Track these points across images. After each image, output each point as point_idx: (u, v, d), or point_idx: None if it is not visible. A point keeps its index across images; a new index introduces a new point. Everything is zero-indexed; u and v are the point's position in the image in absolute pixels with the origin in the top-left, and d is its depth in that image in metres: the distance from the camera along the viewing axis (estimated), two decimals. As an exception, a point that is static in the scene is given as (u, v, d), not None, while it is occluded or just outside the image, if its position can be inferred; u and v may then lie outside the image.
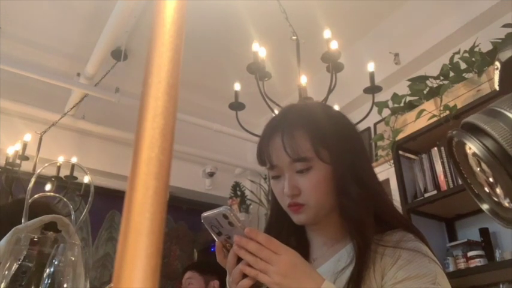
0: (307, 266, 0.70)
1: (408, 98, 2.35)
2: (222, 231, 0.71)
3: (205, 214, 0.71)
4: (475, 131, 0.44)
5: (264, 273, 0.67)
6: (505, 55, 0.50)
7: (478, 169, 0.48)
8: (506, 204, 0.46)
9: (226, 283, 0.78)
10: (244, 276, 0.69)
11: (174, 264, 3.74)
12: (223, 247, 0.73)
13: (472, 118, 0.46)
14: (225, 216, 0.69)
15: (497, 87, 0.52)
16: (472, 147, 0.43)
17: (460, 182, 2.01)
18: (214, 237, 0.73)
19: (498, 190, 0.46)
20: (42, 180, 2.60)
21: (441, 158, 2.14)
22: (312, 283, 0.67)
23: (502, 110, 0.43)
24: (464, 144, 0.46)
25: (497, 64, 0.50)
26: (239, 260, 0.70)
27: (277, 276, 0.66)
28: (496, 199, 0.48)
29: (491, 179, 0.47)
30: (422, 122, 2.15)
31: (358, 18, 2.97)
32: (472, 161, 0.48)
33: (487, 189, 0.49)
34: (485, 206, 0.50)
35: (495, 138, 0.42)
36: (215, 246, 0.75)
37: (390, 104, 2.39)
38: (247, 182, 3.83)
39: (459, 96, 2.07)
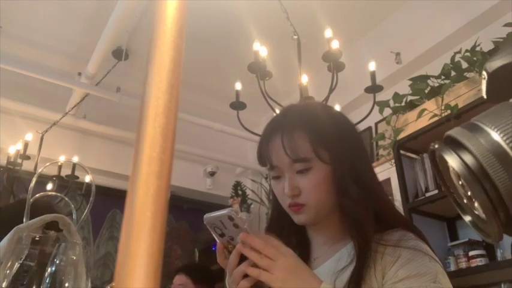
0: (307, 266, 0.71)
1: (409, 98, 2.35)
2: (225, 233, 0.71)
3: (208, 215, 0.71)
4: (456, 145, 0.44)
5: (267, 271, 0.67)
6: (492, 65, 0.49)
7: (459, 183, 0.48)
8: (485, 218, 0.46)
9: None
10: (245, 276, 0.69)
11: (175, 264, 3.74)
12: (224, 248, 0.74)
13: (454, 132, 0.45)
14: (231, 218, 0.69)
15: (485, 96, 0.52)
16: (450, 162, 0.44)
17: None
18: (216, 238, 0.73)
19: (476, 204, 0.46)
20: (43, 179, 2.60)
21: (442, 157, 2.14)
22: (314, 282, 0.68)
23: (484, 126, 0.43)
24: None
25: (484, 74, 0.50)
26: (240, 261, 0.70)
27: (281, 272, 0.66)
28: (476, 212, 0.48)
29: (469, 193, 0.47)
30: (424, 122, 2.15)
31: (359, 18, 2.97)
32: (453, 175, 0.49)
33: (465, 200, 0.49)
34: (467, 218, 0.50)
35: (474, 154, 0.42)
36: (217, 248, 0.75)
37: (391, 103, 2.39)
38: (248, 181, 3.83)
39: (460, 95, 2.06)
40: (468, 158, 0.42)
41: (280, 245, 0.69)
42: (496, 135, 0.41)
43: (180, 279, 2.27)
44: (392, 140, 2.31)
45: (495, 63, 0.49)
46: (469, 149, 0.42)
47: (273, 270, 0.67)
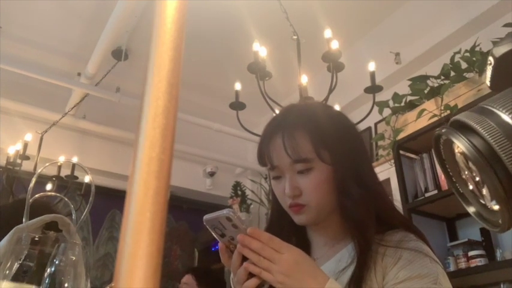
0: (311, 265, 0.70)
1: (409, 98, 2.35)
2: (226, 233, 0.71)
3: (207, 217, 0.71)
4: (464, 129, 0.43)
5: (267, 272, 0.67)
6: (499, 50, 0.48)
7: (466, 171, 0.47)
8: (493, 207, 0.44)
9: None
10: (250, 276, 0.69)
11: (175, 264, 3.74)
12: (226, 248, 0.74)
13: (462, 116, 0.44)
14: (229, 219, 0.69)
15: (488, 83, 0.50)
16: (460, 145, 0.42)
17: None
18: (218, 239, 0.73)
19: (484, 191, 0.45)
20: (43, 179, 2.60)
21: (442, 157, 2.14)
22: (314, 283, 0.67)
23: (494, 109, 0.41)
24: (452, 142, 0.45)
25: (491, 59, 0.49)
26: (243, 260, 0.70)
27: (280, 276, 0.66)
28: (482, 201, 0.47)
29: (477, 178, 0.46)
30: (423, 122, 2.15)
31: (358, 18, 2.97)
32: (460, 160, 0.47)
33: (471, 186, 0.48)
34: (471, 209, 0.49)
35: (484, 137, 0.40)
36: (219, 248, 0.75)
37: (391, 103, 2.39)
38: (248, 181, 3.83)
39: (460, 95, 2.06)
40: (478, 141, 0.41)
41: (280, 245, 0.69)
42: (506, 117, 0.40)
43: (186, 279, 2.38)
44: (392, 140, 2.31)
45: (502, 48, 0.47)
46: (479, 131, 0.41)
47: (272, 272, 0.67)
